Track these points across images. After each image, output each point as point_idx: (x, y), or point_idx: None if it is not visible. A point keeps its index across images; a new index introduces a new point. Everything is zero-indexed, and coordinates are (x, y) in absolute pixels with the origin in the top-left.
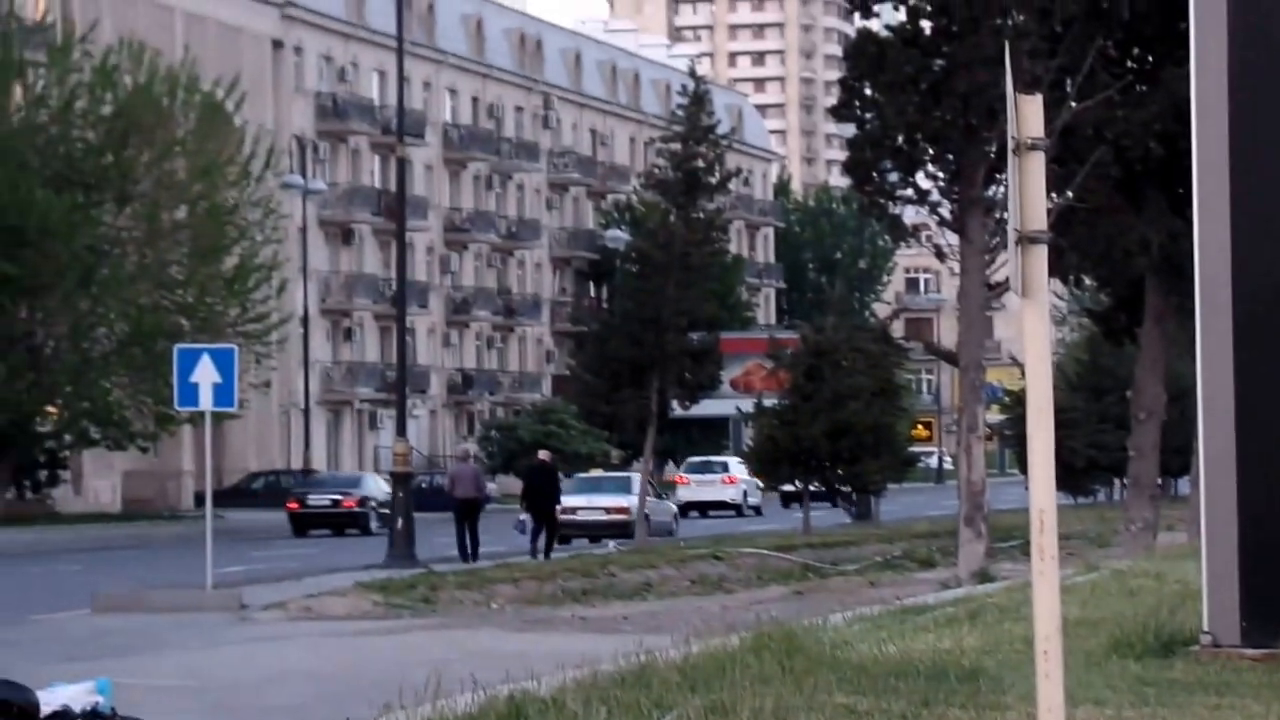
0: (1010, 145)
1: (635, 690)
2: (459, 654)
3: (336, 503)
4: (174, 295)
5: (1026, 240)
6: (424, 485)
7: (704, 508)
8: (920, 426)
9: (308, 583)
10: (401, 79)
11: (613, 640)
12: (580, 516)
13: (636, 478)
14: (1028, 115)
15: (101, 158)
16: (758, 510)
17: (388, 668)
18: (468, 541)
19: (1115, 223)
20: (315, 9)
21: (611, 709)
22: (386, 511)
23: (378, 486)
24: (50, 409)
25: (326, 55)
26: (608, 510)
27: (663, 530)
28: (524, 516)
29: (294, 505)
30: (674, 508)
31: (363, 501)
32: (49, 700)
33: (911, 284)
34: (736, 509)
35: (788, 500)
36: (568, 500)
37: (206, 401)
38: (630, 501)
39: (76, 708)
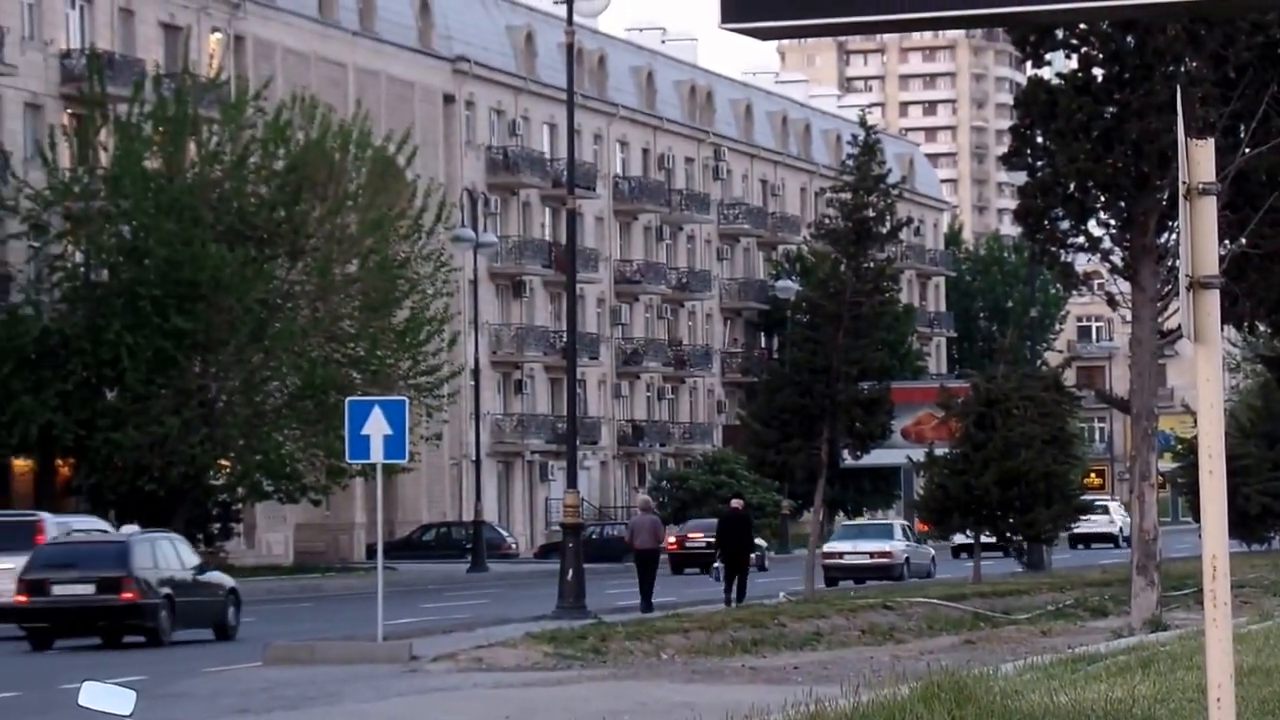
0: (1181, 190)
1: None
2: (627, 705)
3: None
4: (345, 348)
5: (1198, 285)
6: (594, 536)
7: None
8: (1092, 475)
9: (478, 634)
10: (572, 132)
11: (782, 690)
12: (846, 560)
13: (899, 524)
14: (1199, 160)
15: (274, 212)
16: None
17: (555, 719)
18: (645, 593)
19: None
20: (486, 63)
21: None
22: None
23: None
24: (223, 462)
25: (497, 109)
26: (871, 555)
27: (921, 572)
28: (718, 564)
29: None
30: (931, 551)
31: None
32: None
33: (1083, 332)
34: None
35: (958, 551)
36: (835, 545)
37: (377, 454)
38: (893, 546)
39: None
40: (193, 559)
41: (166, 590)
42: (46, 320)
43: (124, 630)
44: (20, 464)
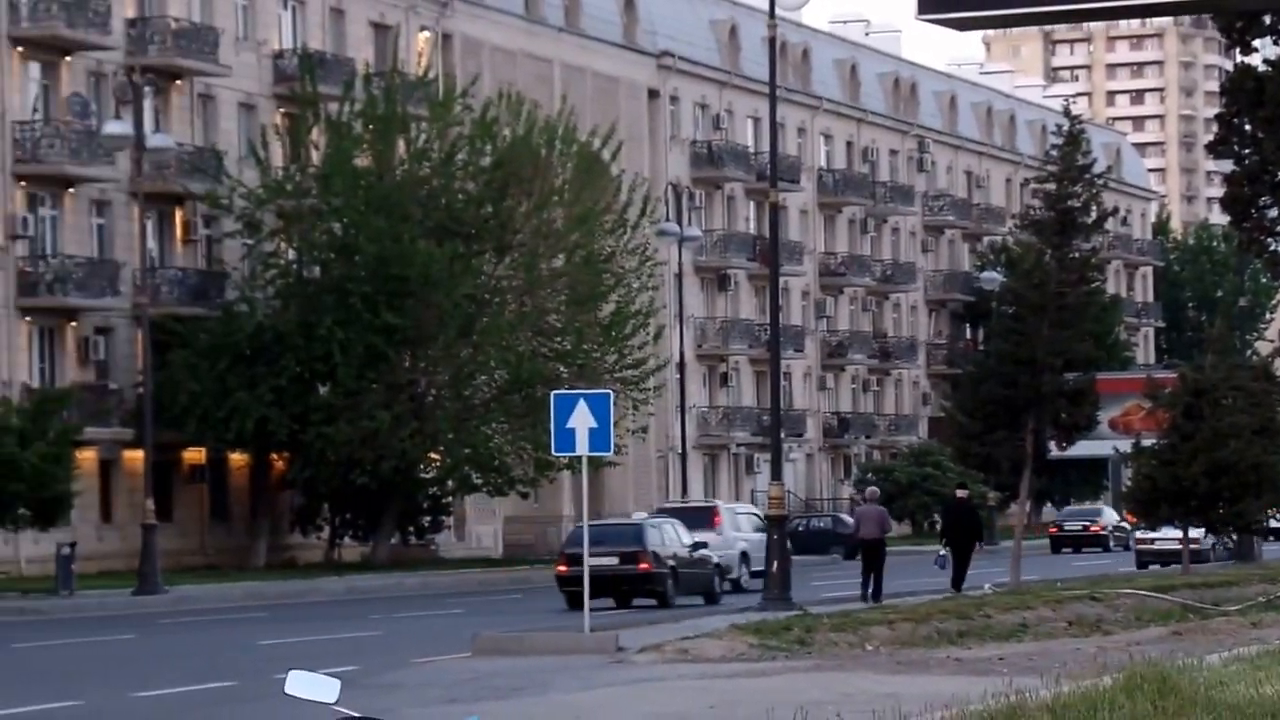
0: None
1: None
2: (831, 696)
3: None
4: (552, 342)
5: None
6: (799, 528)
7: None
8: None
9: (684, 625)
10: (775, 125)
11: (985, 681)
12: (1157, 545)
13: None
14: None
15: (481, 208)
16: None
17: (759, 709)
18: (870, 582)
19: None
20: (690, 58)
21: None
22: None
23: None
24: (433, 456)
25: (702, 103)
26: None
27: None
28: (944, 552)
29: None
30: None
31: None
32: None
33: None
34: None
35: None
36: (1147, 532)
37: (583, 447)
38: (1198, 532)
39: None
40: (689, 539)
41: (671, 563)
42: (260, 317)
43: (638, 594)
44: (237, 458)
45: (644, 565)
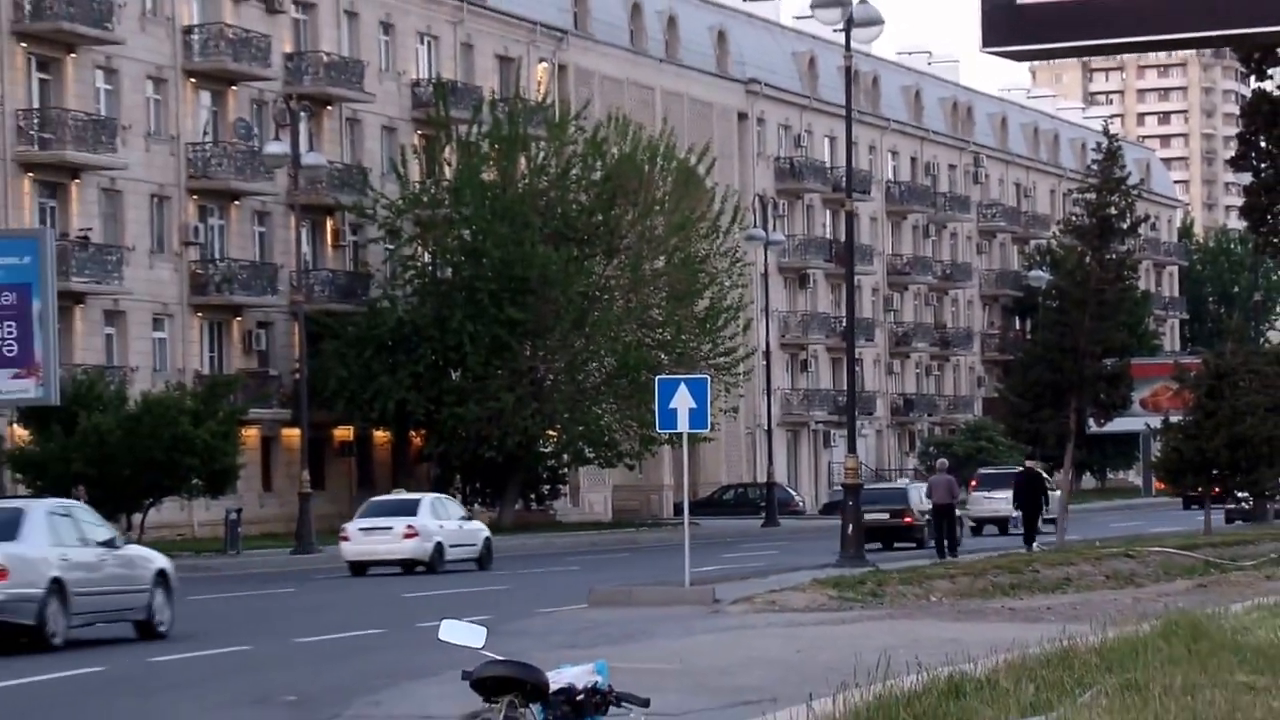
0: None
1: (1058, 670)
2: (901, 641)
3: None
4: (654, 334)
5: None
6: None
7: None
8: None
9: (771, 580)
10: (850, 143)
11: (1037, 628)
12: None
13: None
14: None
15: (592, 217)
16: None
17: (841, 653)
18: (944, 540)
19: None
20: (775, 84)
21: (1039, 686)
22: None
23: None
24: (551, 432)
25: (784, 124)
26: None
27: None
28: (1015, 514)
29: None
30: None
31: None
32: (556, 679)
33: None
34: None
35: (1188, 503)
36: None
37: (683, 424)
38: None
39: (579, 685)
40: (928, 502)
41: (926, 518)
42: (400, 312)
43: (901, 540)
44: (380, 435)
45: (908, 520)
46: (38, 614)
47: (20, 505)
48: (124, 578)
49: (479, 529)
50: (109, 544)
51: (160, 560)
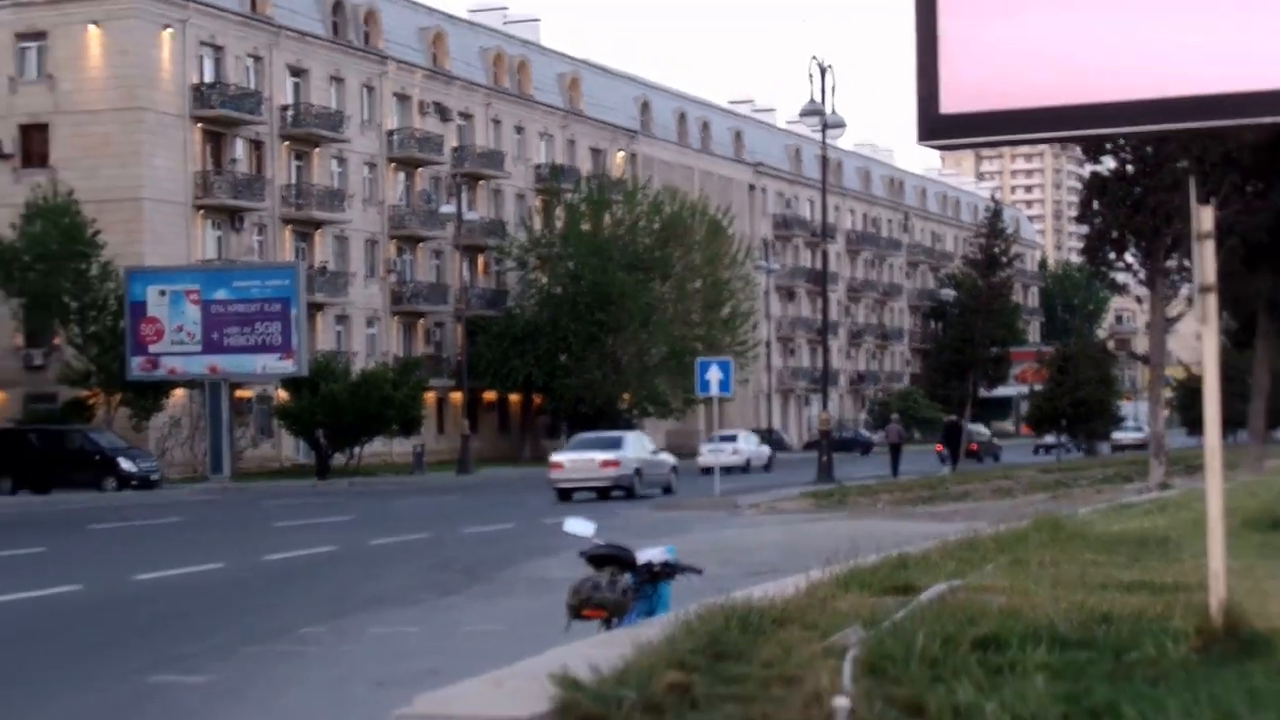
0: (1195, 234)
1: (968, 551)
2: (861, 532)
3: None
4: (694, 331)
5: (1204, 289)
6: (838, 437)
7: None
8: (1125, 399)
9: (771, 493)
10: (825, 205)
11: (950, 525)
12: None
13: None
14: (1204, 219)
15: (653, 254)
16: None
17: (819, 540)
18: (896, 467)
19: (1240, 280)
20: (772, 166)
21: (956, 561)
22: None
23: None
24: (625, 395)
25: (779, 193)
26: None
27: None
28: (945, 452)
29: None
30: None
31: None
32: (641, 556)
33: (1119, 318)
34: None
35: (1038, 450)
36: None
37: (715, 390)
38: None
39: (656, 560)
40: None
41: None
42: (527, 316)
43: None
44: (514, 398)
45: (973, 446)
46: (631, 482)
47: (620, 434)
48: (660, 465)
49: (667, 460)
50: (654, 452)
51: (672, 460)
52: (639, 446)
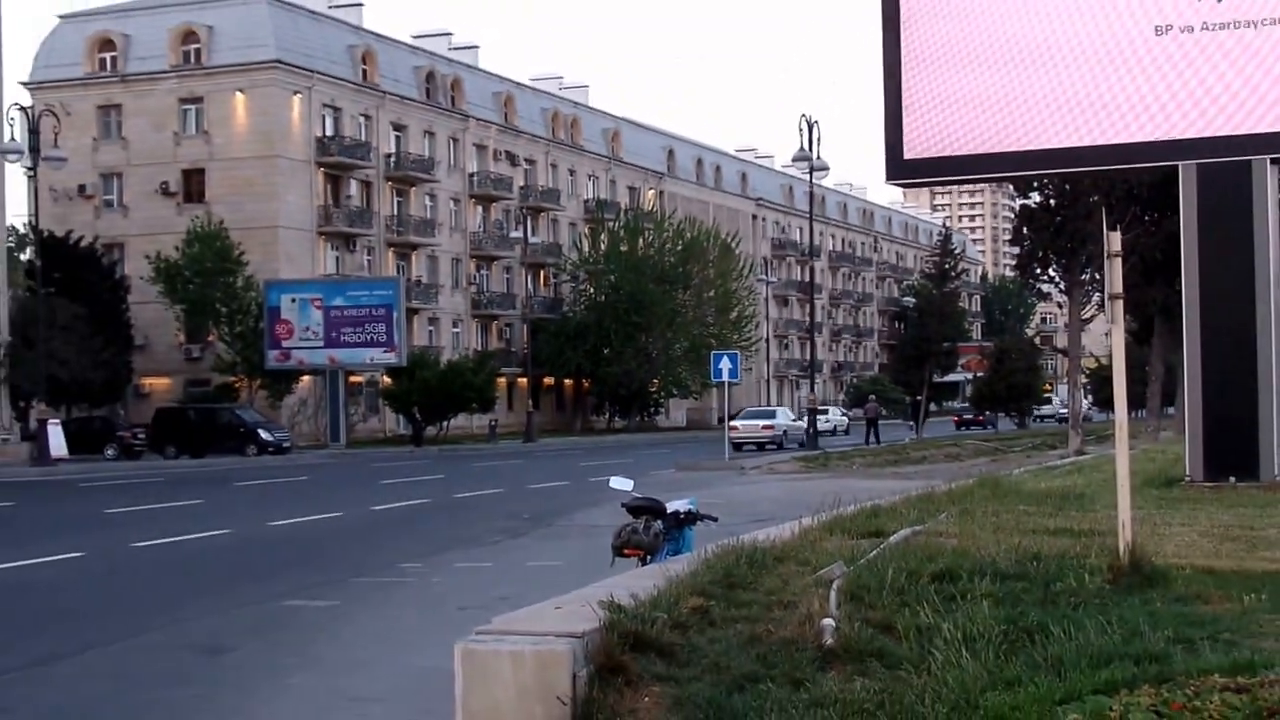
0: (1106, 254)
1: (926, 503)
2: (840, 489)
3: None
4: (708, 330)
5: (1112, 297)
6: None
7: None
8: (1048, 385)
9: (769, 458)
10: (811, 231)
11: (912, 483)
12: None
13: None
14: (1113, 241)
15: (676, 270)
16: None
17: (809, 494)
18: (872, 437)
19: (1140, 290)
20: (771, 201)
21: (919, 511)
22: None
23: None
24: (654, 381)
25: (776, 222)
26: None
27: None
28: (912, 425)
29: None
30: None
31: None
32: (670, 506)
33: (1044, 319)
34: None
35: (967, 424)
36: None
37: (725, 377)
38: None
39: (682, 510)
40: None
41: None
42: (578, 319)
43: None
44: (568, 382)
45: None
46: (780, 440)
47: (773, 408)
48: (796, 428)
49: (800, 425)
50: (793, 420)
51: (803, 424)
52: (784, 417)
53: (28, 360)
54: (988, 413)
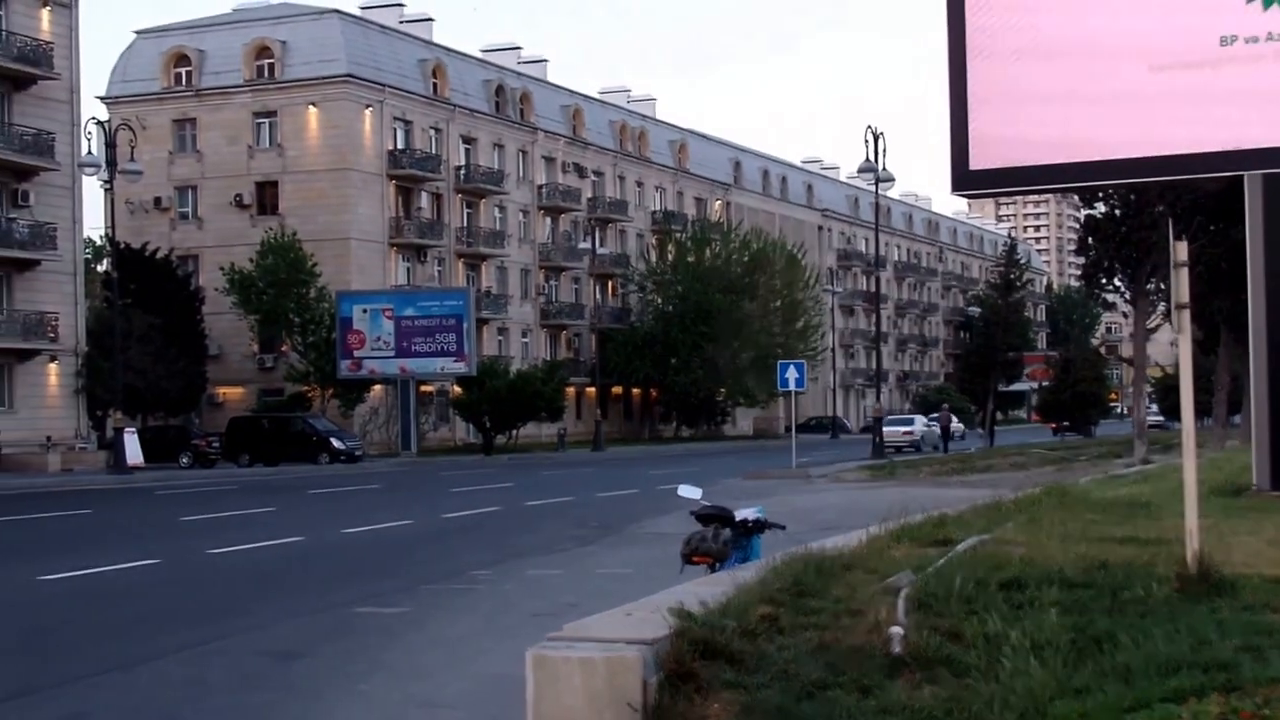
0: (1172, 264)
1: (993, 511)
2: (907, 498)
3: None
4: (775, 339)
5: (1179, 307)
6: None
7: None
8: (1114, 394)
9: (835, 466)
10: (877, 242)
11: (978, 491)
12: (891, 440)
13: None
14: (1180, 252)
15: (743, 280)
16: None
17: (875, 503)
18: (945, 445)
19: (1205, 300)
20: (836, 211)
21: (986, 519)
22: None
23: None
24: (721, 390)
25: (841, 232)
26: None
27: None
28: (983, 433)
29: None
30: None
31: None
32: (739, 514)
33: (1109, 329)
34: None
35: (1057, 431)
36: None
37: (792, 386)
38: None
39: (750, 517)
40: (937, 425)
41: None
42: (645, 328)
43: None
44: (635, 391)
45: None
46: (919, 444)
47: (913, 416)
48: (932, 434)
49: (935, 430)
50: (927, 426)
51: (937, 430)
52: (921, 423)
53: (105, 370)
54: (1078, 419)
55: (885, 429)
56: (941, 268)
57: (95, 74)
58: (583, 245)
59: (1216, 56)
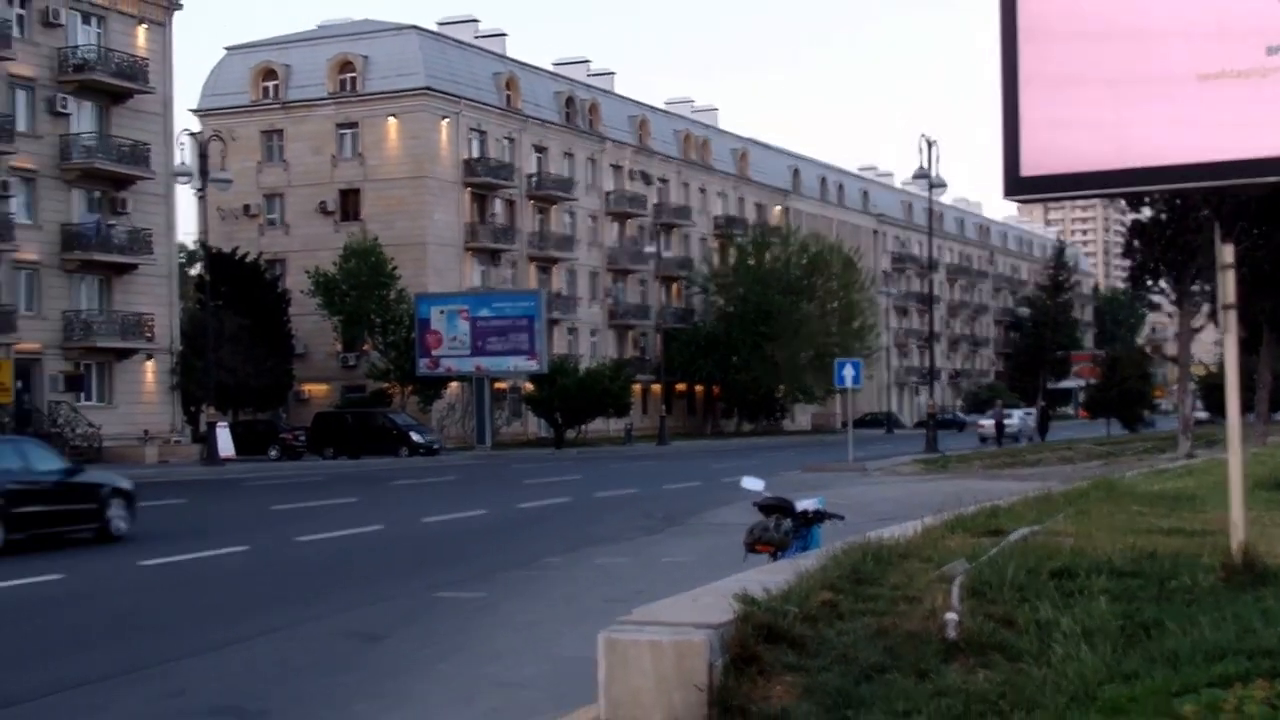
0: (1218, 266)
1: (1044, 503)
2: (960, 490)
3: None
4: (832, 339)
5: (1225, 307)
6: (942, 418)
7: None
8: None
9: (891, 460)
10: (930, 245)
11: (1028, 484)
12: (981, 430)
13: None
14: (1226, 254)
15: (803, 281)
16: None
17: (929, 495)
18: (999, 439)
19: (1248, 301)
20: (890, 216)
21: (1036, 511)
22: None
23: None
24: (780, 388)
25: (896, 236)
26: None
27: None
28: (1035, 426)
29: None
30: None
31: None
32: (799, 505)
33: (1154, 329)
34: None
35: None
36: (979, 420)
37: (849, 383)
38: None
39: (810, 508)
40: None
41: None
42: (708, 328)
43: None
44: (699, 389)
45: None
46: (1016, 434)
47: (1011, 410)
48: (1026, 426)
49: (1030, 422)
50: (1021, 419)
51: (1032, 422)
52: (1018, 416)
53: (198, 368)
54: (1145, 414)
55: (985, 421)
56: (992, 270)
57: (188, 88)
58: (648, 249)
59: (1264, 66)
